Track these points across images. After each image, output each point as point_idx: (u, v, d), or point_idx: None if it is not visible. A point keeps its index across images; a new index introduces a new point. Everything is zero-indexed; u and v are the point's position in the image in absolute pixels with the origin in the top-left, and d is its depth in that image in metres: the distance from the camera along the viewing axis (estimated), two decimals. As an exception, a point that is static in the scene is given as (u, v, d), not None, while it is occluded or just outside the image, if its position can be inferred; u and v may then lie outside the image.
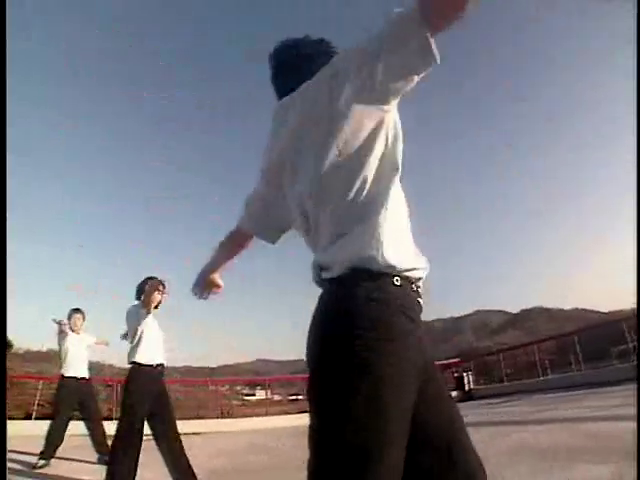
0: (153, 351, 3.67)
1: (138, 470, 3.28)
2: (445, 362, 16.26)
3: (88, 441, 5.26)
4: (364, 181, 0.92)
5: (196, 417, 11.38)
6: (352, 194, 0.92)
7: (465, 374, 14.74)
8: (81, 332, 5.62)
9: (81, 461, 5.18)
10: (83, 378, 5.39)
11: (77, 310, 5.68)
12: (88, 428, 5.27)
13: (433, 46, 0.84)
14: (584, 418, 5.13)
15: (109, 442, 5.10)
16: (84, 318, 5.71)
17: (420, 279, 0.95)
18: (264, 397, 20.36)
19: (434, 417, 0.90)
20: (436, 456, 0.87)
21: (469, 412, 8.57)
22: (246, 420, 11.57)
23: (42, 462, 4.83)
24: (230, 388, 19.24)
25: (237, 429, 9.96)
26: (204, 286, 1.42)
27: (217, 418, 12.14)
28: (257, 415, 12.77)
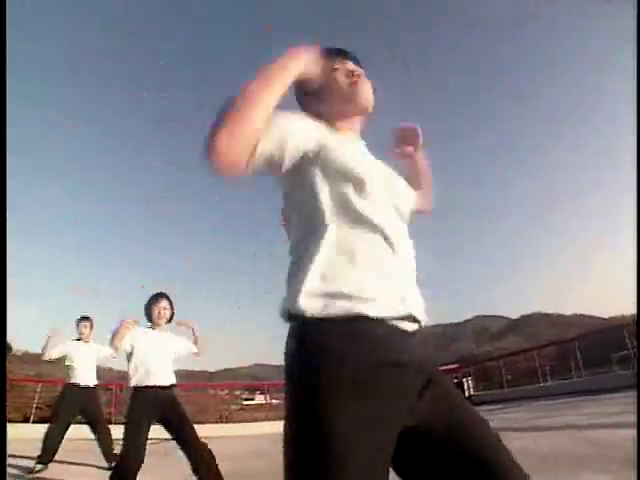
0: (151, 372, 3.47)
1: (138, 476, 3.24)
2: (445, 368, 16.22)
3: (86, 445, 5.24)
4: (299, 240, 0.99)
5: (195, 422, 11.31)
6: (294, 246, 1.01)
7: (465, 380, 14.71)
8: (90, 340, 5.55)
9: (79, 464, 5.17)
10: (87, 386, 5.33)
11: (85, 318, 5.63)
12: (95, 434, 5.25)
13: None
14: (584, 425, 5.12)
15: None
16: (92, 326, 5.63)
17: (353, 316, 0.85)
18: (263, 402, 20.30)
19: (445, 421, 0.89)
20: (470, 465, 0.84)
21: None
22: (245, 425, 11.54)
23: (40, 466, 4.80)
24: (229, 393, 19.16)
25: (236, 434, 9.94)
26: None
27: (216, 423, 12.10)
28: (256, 420, 12.73)
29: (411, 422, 0.86)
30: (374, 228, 0.94)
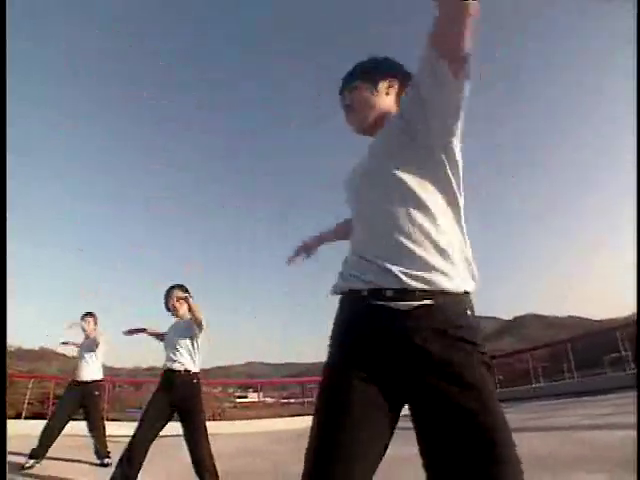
0: (167, 356, 3.70)
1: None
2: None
3: (79, 441, 5.22)
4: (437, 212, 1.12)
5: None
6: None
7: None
8: (93, 336, 5.53)
9: (72, 461, 5.15)
10: (85, 381, 5.33)
11: (89, 314, 5.65)
12: (89, 430, 5.26)
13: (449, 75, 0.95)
14: (577, 426, 5.14)
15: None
16: (95, 322, 5.65)
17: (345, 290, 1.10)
18: (256, 400, 20.29)
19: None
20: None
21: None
22: (238, 423, 11.50)
23: (32, 462, 4.77)
24: (222, 390, 19.11)
25: (229, 432, 9.90)
26: (306, 248, 1.66)
27: (209, 420, 12.06)
28: (249, 418, 12.69)
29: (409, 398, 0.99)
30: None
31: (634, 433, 3.31)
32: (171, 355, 3.67)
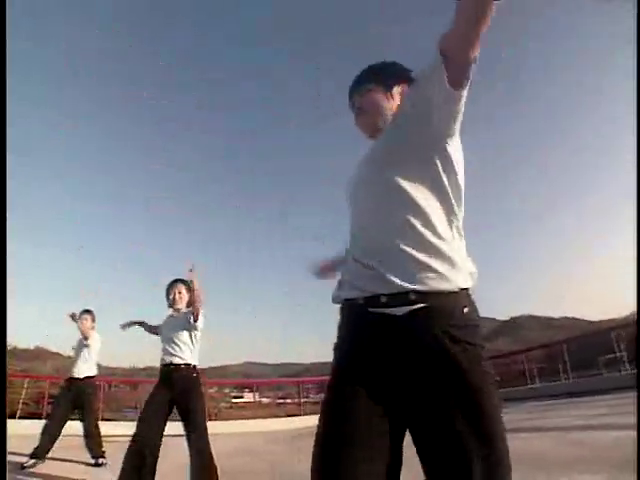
0: (165, 350, 3.64)
1: None
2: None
3: (76, 441, 5.20)
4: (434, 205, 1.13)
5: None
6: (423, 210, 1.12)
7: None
8: (89, 333, 5.52)
9: (68, 461, 5.13)
10: (78, 378, 5.31)
11: (86, 311, 5.59)
12: (83, 429, 5.23)
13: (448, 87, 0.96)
14: (572, 427, 5.15)
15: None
16: (93, 319, 5.62)
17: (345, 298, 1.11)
18: (252, 400, 20.26)
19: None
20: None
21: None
22: (234, 423, 11.48)
23: (32, 461, 4.75)
24: (218, 390, 19.09)
25: (224, 432, 9.88)
26: (322, 270, 1.62)
27: (205, 420, 12.05)
28: (245, 418, 12.68)
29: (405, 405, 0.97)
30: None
31: (630, 433, 3.32)
32: (169, 349, 3.61)
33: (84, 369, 5.40)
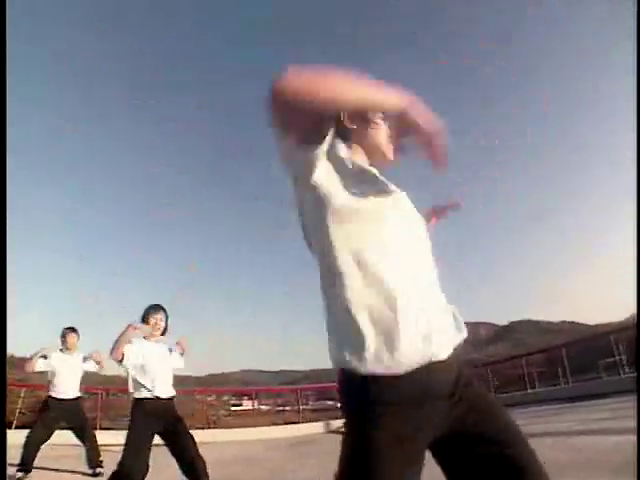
0: (151, 383, 3.48)
1: None
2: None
3: (71, 450, 5.16)
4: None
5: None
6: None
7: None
8: (75, 351, 5.45)
9: (64, 471, 5.09)
10: (69, 399, 5.23)
11: (71, 329, 5.52)
12: (83, 444, 5.17)
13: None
14: (572, 431, 5.14)
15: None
16: (78, 337, 5.54)
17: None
18: (251, 407, 20.17)
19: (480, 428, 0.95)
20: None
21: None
22: (233, 431, 11.43)
23: (20, 474, 4.71)
24: (217, 398, 18.98)
25: (223, 440, 9.83)
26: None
27: (203, 429, 11.98)
28: (244, 426, 12.61)
29: (447, 429, 0.93)
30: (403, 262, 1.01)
31: (630, 438, 3.30)
32: (157, 381, 3.51)
33: (75, 388, 5.34)
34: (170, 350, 3.82)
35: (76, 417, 5.24)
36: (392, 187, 1.05)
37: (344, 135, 1.09)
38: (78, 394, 5.38)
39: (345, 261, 0.93)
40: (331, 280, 0.95)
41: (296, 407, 14.46)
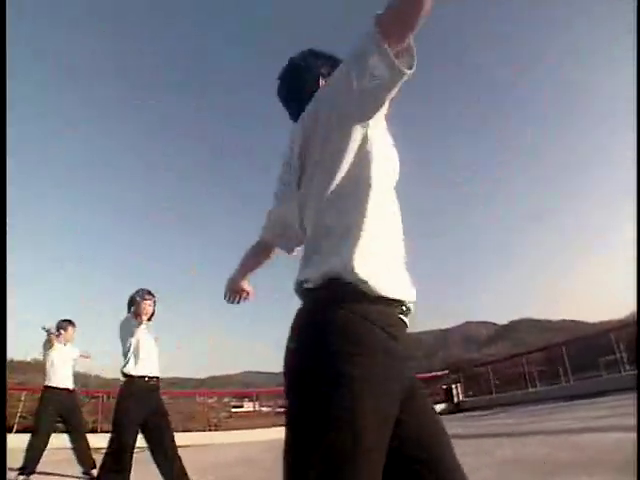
0: (147, 364, 3.63)
1: None
2: (434, 374, 16.24)
3: (71, 454, 5.14)
4: (333, 200, 0.95)
5: (183, 430, 11.21)
6: (324, 212, 0.96)
7: (454, 386, 14.75)
8: (69, 343, 5.50)
9: (64, 476, 5.07)
10: (66, 389, 5.26)
11: (67, 321, 5.57)
12: (72, 441, 5.15)
13: (392, 58, 0.87)
14: (574, 429, 5.13)
15: (94, 456, 5.09)
16: (74, 329, 5.59)
17: (400, 301, 0.90)
18: (252, 409, 20.15)
19: (418, 433, 0.89)
20: (421, 473, 0.85)
21: (458, 424, 8.53)
22: (234, 433, 11.43)
23: (22, 478, 4.70)
24: (218, 400, 18.97)
25: (225, 442, 9.84)
26: (234, 293, 1.47)
27: (204, 431, 11.98)
28: (245, 428, 12.62)
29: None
30: (396, 213, 1.02)
31: (631, 435, 3.30)
32: (149, 362, 3.66)
33: (70, 380, 5.37)
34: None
35: (72, 412, 5.26)
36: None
37: None
38: (72, 385, 5.39)
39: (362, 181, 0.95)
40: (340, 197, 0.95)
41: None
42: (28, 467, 4.76)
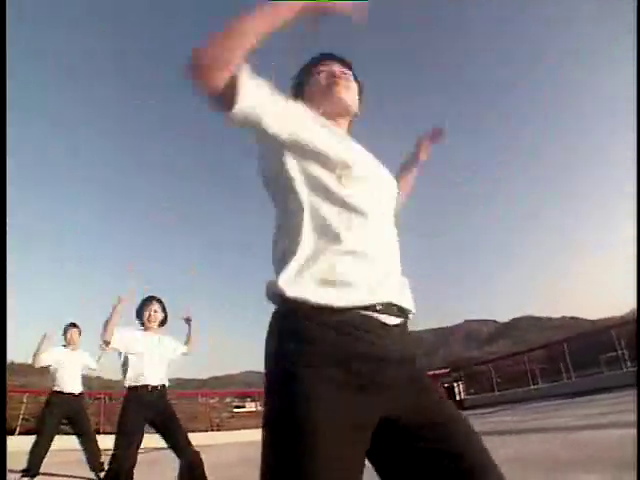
0: (147, 372, 3.51)
1: None
2: (435, 372, 16.25)
3: (74, 456, 5.14)
4: (278, 226, 1.02)
5: (185, 430, 11.19)
6: (275, 235, 1.02)
7: (456, 384, 14.76)
8: (77, 348, 5.45)
9: (67, 477, 5.08)
10: (72, 393, 5.22)
11: (73, 325, 5.52)
12: (82, 444, 5.14)
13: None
14: (575, 426, 5.13)
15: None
16: (80, 333, 5.54)
17: (352, 307, 0.87)
18: (254, 409, 20.16)
19: (445, 431, 0.86)
20: (450, 463, 0.83)
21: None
22: (235, 433, 11.43)
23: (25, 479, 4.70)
24: (220, 401, 18.99)
25: (226, 442, 9.83)
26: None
27: (206, 431, 11.99)
28: (247, 427, 12.61)
29: (392, 415, 0.86)
30: (357, 211, 0.95)
31: (633, 432, 3.30)
32: (153, 370, 3.55)
33: (78, 384, 5.32)
34: (159, 339, 3.80)
35: (79, 415, 5.22)
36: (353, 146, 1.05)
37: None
38: (81, 389, 5.36)
39: (304, 200, 0.94)
40: (288, 218, 0.97)
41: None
42: (31, 469, 4.76)
